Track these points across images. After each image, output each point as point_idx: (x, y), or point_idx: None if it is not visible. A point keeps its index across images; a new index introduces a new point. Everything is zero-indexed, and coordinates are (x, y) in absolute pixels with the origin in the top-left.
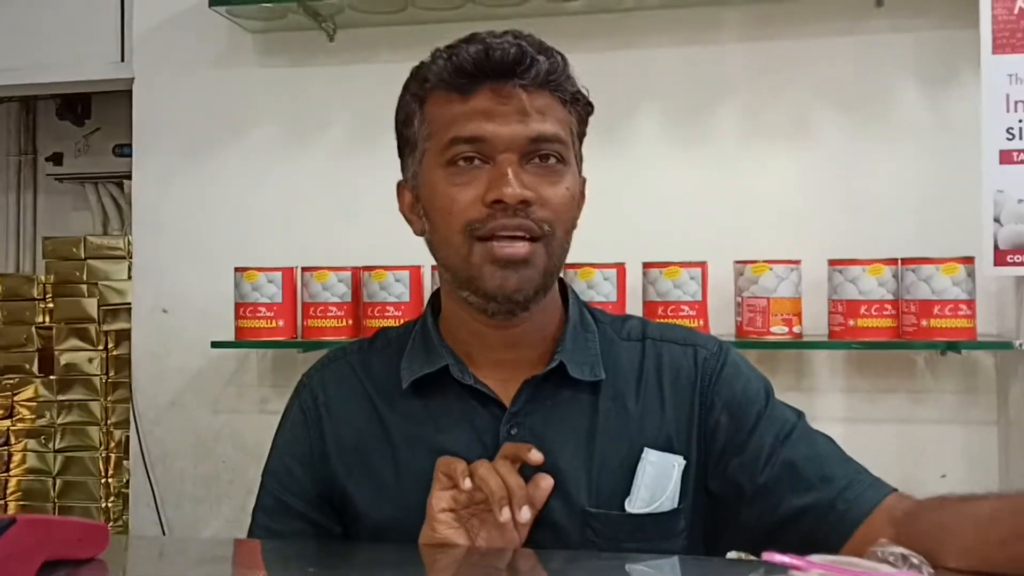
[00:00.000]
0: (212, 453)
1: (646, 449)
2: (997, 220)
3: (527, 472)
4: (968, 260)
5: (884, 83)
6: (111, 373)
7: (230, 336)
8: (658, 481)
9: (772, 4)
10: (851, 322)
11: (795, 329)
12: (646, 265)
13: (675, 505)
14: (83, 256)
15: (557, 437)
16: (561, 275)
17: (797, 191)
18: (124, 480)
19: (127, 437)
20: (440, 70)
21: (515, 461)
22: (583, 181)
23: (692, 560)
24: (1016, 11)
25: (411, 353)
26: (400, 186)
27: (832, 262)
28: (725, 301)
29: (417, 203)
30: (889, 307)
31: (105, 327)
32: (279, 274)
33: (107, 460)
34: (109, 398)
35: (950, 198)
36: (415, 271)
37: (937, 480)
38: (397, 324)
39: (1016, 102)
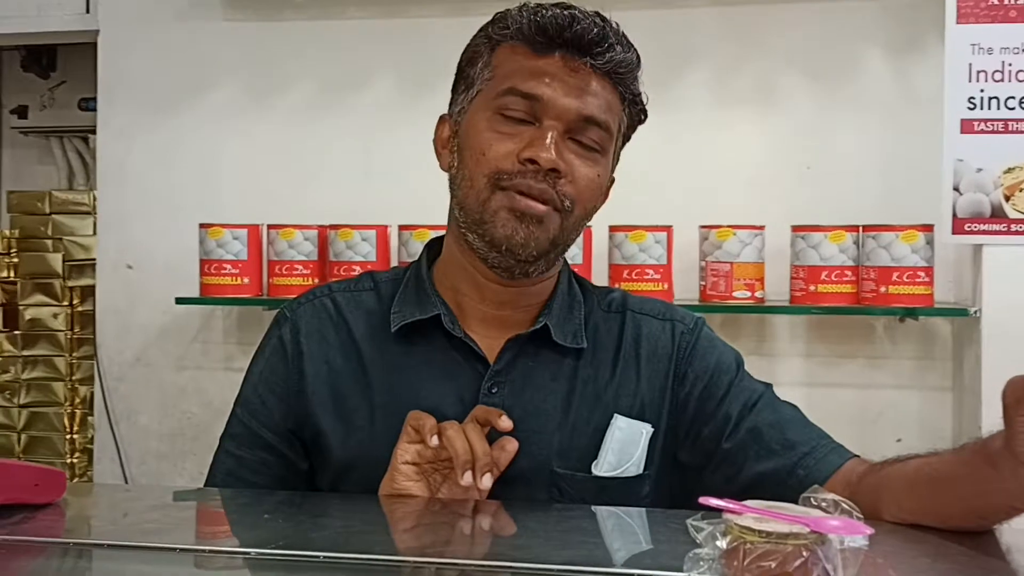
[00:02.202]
0: (177, 410)
1: (616, 415)
2: (957, 189)
3: (494, 434)
4: (927, 228)
5: (850, 51)
6: (76, 329)
7: (195, 293)
8: (625, 447)
9: None
10: (812, 287)
11: (757, 294)
12: (612, 228)
13: (640, 471)
14: (48, 211)
15: (534, 398)
16: None
17: (762, 157)
18: (89, 436)
19: (92, 393)
20: (521, 22)
21: (484, 424)
22: (612, 180)
23: (632, 512)
24: None
25: (403, 298)
26: (442, 119)
27: (795, 228)
28: (690, 265)
29: (454, 139)
30: (849, 273)
31: (70, 283)
32: (244, 231)
33: (72, 416)
34: (74, 354)
35: (912, 166)
36: (382, 231)
37: (893, 444)
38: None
39: (978, 72)
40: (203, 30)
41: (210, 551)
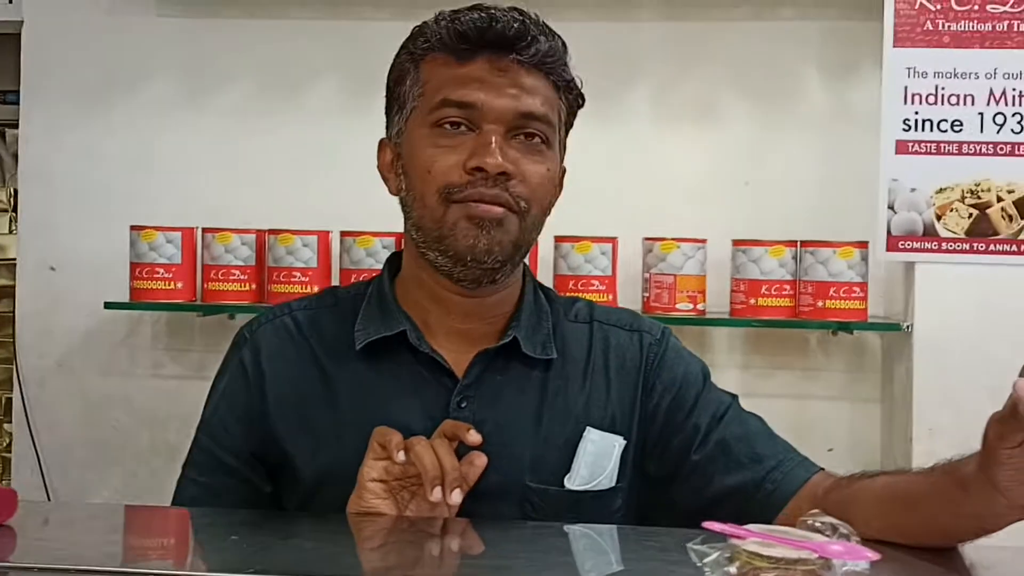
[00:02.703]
0: (102, 418)
1: (588, 428)
2: (891, 207)
3: (463, 450)
4: (863, 245)
5: (790, 70)
6: None
7: (124, 297)
8: (598, 460)
9: None
10: (752, 301)
11: (699, 306)
12: (558, 239)
13: (613, 483)
14: None
15: (505, 412)
16: None
17: (704, 172)
18: (5, 443)
19: (8, 399)
20: (441, 33)
21: (453, 439)
22: (563, 170)
23: (621, 531)
24: (917, 6)
25: (366, 315)
26: (382, 143)
27: (736, 242)
28: (633, 277)
29: (397, 161)
30: (788, 287)
31: None
32: (178, 234)
33: None
34: None
35: (848, 184)
36: (323, 236)
37: (825, 453)
38: (302, 289)
39: (914, 94)
40: (135, 24)
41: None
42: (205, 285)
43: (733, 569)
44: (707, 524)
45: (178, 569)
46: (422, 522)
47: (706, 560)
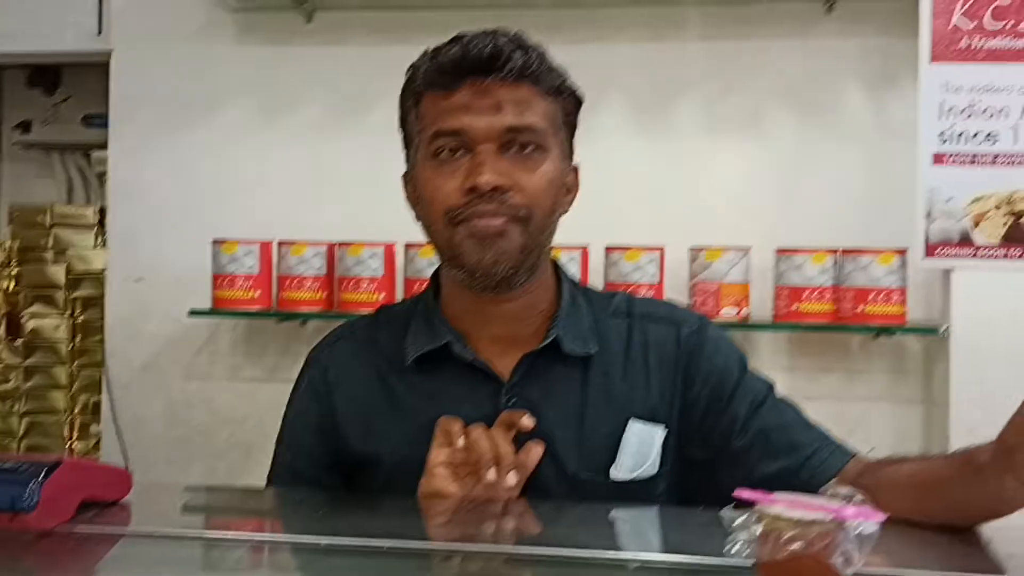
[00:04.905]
0: (184, 418)
1: (631, 420)
2: (929, 216)
3: (522, 440)
4: (902, 252)
5: (831, 85)
6: (77, 339)
7: (206, 305)
8: (640, 450)
9: (730, 7)
10: (795, 306)
11: (743, 312)
12: (608, 248)
13: (656, 471)
14: (49, 224)
15: (550, 408)
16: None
17: (748, 183)
18: (91, 444)
19: (94, 402)
20: (427, 71)
21: (510, 428)
22: (573, 168)
23: (663, 509)
24: (951, 25)
25: (415, 330)
26: (404, 177)
27: (779, 250)
28: (680, 284)
29: (415, 193)
30: (829, 293)
31: (72, 295)
32: (256, 246)
33: (71, 424)
34: (75, 363)
35: (887, 194)
36: (389, 248)
37: (867, 453)
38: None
39: (949, 109)
40: (215, 52)
41: (278, 541)
42: (280, 294)
43: (757, 529)
44: (738, 493)
45: (278, 535)
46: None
47: (735, 523)
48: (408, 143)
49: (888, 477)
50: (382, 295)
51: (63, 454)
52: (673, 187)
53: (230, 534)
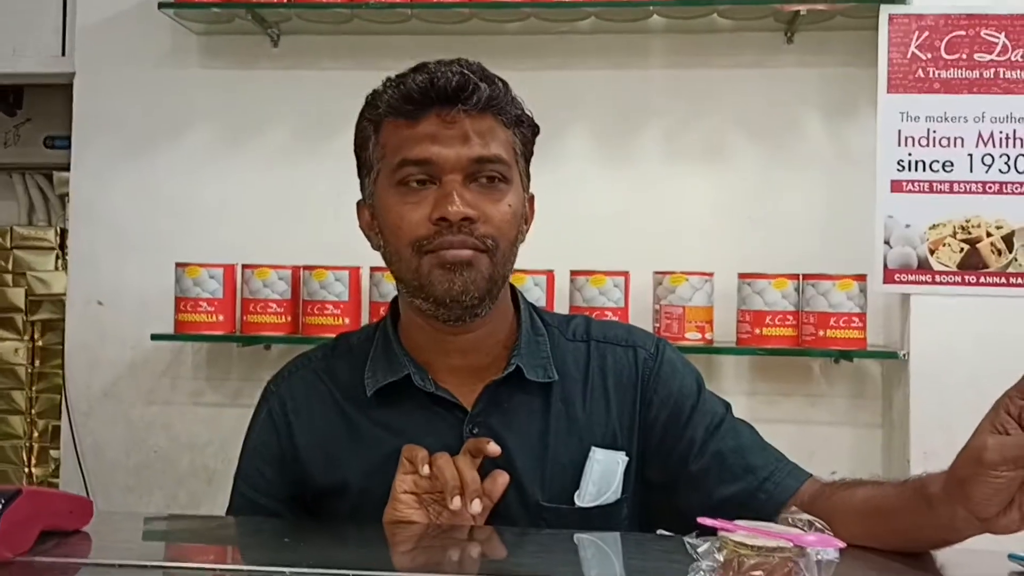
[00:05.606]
0: (144, 444)
1: (593, 448)
2: (887, 243)
3: (487, 467)
4: (861, 277)
5: (792, 113)
6: (37, 363)
7: (167, 329)
8: (604, 477)
9: (694, 35)
10: (757, 330)
11: (707, 336)
12: (573, 273)
13: (619, 496)
14: (9, 246)
15: (513, 437)
16: None
17: (711, 210)
18: (51, 469)
19: (54, 427)
20: (390, 98)
21: (476, 455)
22: (530, 197)
23: (627, 536)
24: (910, 55)
25: (374, 361)
26: (359, 205)
27: (741, 275)
28: (645, 308)
29: (374, 221)
30: (791, 318)
31: (32, 317)
32: (220, 270)
33: (30, 450)
34: (34, 388)
35: (847, 221)
36: (354, 271)
37: (828, 476)
38: (350, 328)
39: (907, 137)
40: (179, 75)
41: (241, 570)
42: (244, 317)
43: (721, 556)
44: (701, 521)
45: (240, 565)
46: (450, 528)
47: (699, 550)
48: (366, 170)
49: (842, 502)
50: (347, 319)
51: (22, 483)
52: (638, 212)
53: (193, 564)
